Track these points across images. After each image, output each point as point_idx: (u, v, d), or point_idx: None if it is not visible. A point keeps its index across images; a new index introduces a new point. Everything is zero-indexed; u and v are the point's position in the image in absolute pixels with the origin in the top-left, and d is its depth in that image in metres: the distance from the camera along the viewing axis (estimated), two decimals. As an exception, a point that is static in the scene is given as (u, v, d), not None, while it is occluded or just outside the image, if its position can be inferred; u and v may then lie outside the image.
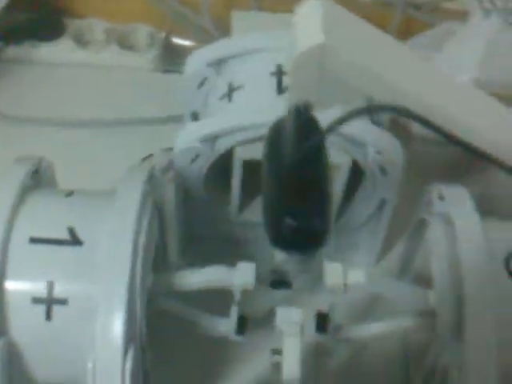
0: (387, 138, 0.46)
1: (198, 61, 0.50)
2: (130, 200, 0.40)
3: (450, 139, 0.28)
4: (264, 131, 0.43)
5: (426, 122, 0.27)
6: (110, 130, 0.63)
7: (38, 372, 0.40)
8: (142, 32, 0.69)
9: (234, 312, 0.44)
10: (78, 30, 0.69)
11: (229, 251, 0.50)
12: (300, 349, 0.39)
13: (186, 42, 0.69)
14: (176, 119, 0.60)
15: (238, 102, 0.47)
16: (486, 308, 0.38)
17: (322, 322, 0.43)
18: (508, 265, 0.39)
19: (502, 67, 0.56)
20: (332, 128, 0.27)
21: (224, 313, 0.44)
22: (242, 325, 0.44)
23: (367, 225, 0.52)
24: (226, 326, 0.44)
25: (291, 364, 0.38)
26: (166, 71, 0.68)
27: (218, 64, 0.50)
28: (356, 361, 0.49)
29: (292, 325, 0.40)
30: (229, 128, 0.45)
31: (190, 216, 0.51)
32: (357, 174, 0.49)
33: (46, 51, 0.67)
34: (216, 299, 0.43)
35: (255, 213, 0.52)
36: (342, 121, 0.27)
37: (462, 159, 0.52)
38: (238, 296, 0.43)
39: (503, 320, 0.38)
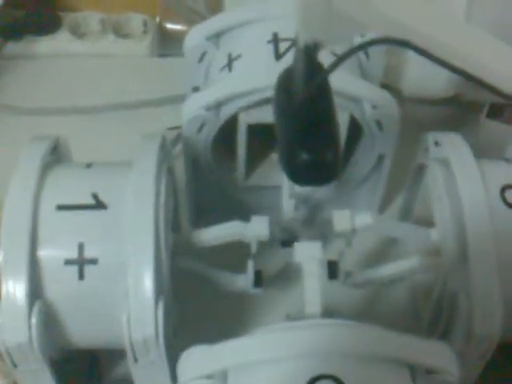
0: (381, 93, 0.49)
1: (196, 36, 0.53)
2: (148, 164, 0.43)
3: (451, 69, 0.30)
4: (265, 95, 0.46)
5: (427, 54, 0.29)
6: (111, 115, 0.65)
7: (72, 331, 0.42)
8: (135, 20, 0.71)
9: (251, 267, 0.46)
10: (74, 22, 0.71)
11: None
12: (320, 287, 0.41)
13: (179, 27, 0.71)
14: (175, 100, 0.62)
15: (238, 71, 0.50)
16: (486, 236, 0.41)
17: (333, 268, 0.45)
18: (503, 195, 0.42)
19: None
20: (337, 63, 0.29)
21: (241, 270, 0.47)
22: (259, 278, 0.47)
23: (366, 182, 0.55)
24: (243, 281, 0.47)
25: (313, 300, 0.41)
26: (162, 55, 0.71)
27: (217, 37, 0.53)
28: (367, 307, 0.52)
29: (312, 261, 0.42)
30: (231, 94, 0.48)
31: (199, 185, 0.54)
32: (355, 133, 0.52)
33: (44, 45, 0.70)
34: (232, 259, 0.47)
35: (261, 178, 0.55)
36: (346, 55, 0.29)
37: (454, 116, 0.55)
38: (254, 248, 0.45)
39: (504, 245, 0.41)
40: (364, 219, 0.45)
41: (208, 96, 0.49)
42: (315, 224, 0.54)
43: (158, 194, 0.42)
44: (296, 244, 0.44)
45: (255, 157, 0.55)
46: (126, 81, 0.68)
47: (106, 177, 0.44)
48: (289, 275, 0.52)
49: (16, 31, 0.70)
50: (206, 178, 0.53)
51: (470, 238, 0.41)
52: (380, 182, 0.54)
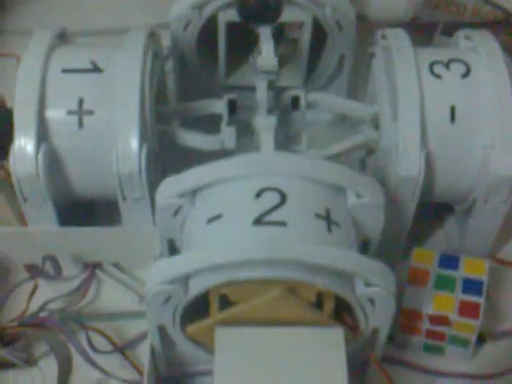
0: (340, -3, 0.58)
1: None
2: (137, 39, 0.52)
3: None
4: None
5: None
6: (101, 39, 0.71)
7: (72, 174, 0.51)
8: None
9: (225, 98, 0.54)
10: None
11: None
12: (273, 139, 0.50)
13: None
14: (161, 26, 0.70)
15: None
16: (414, 99, 0.49)
17: (295, 101, 0.54)
18: (431, 69, 0.51)
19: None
20: None
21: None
22: (232, 106, 0.55)
23: (331, 83, 0.63)
24: (220, 109, 0.55)
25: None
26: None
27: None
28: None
29: (268, 125, 0.51)
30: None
31: (185, 83, 0.63)
32: (320, 39, 0.60)
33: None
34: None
35: (240, 78, 0.64)
36: None
37: (412, 36, 0.64)
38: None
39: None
40: (315, 95, 0.54)
41: (192, -3, 0.58)
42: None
43: (144, 62, 0.51)
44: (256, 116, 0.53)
45: (235, 60, 0.64)
46: (115, 10, 0.75)
47: (103, 49, 0.53)
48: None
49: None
50: (192, 77, 0.62)
51: (400, 102, 0.50)
52: (343, 81, 0.62)
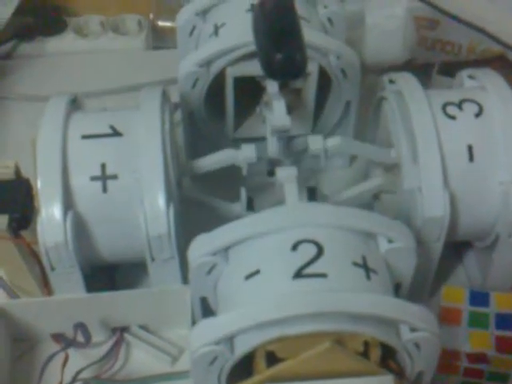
0: (344, 46, 0.59)
1: (187, 12, 0.63)
2: (153, 100, 0.53)
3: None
4: (248, 50, 0.56)
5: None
6: (114, 97, 0.74)
7: (98, 240, 0.51)
8: (131, 20, 0.82)
9: (243, 192, 0.55)
10: (78, 24, 0.81)
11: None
12: (297, 190, 0.51)
13: (169, 24, 0.81)
14: (168, 82, 0.71)
15: (223, 34, 0.60)
16: (432, 141, 0.50)
17: (312, 193, 0.55)
18: (445, 110, 0.52)
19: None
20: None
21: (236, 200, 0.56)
22: (251, 203, 0.56)
23: (338, 128, 0.64)
24: (237, 206, 0.56)
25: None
26: (155, 48, 0.82)
27: (204, 13, 0.63)
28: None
29: (290, 176, 0.52)
30: (219, 51, 0.57)
31: (195, 138, 0.63)
32: (325, 86, 0.62)
33: (53, 44, 0.80)
34: (228, 192, 0.56)
35: (248, 130, 0.64)
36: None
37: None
38: (245, 170, 0.55)
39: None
40: (334, 140, 0.54)
41: (199, 54, 0.58)
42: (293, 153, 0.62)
43: (163, 123, 0.52)
44: (277, 169, 0.54)
45: (243, 113, 0.64)
46: (125, 70, 0.78)
47: (120, 113, 0.53)
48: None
49: (28, 34, 0.80)
50: (200, 131, 0.63)
51: (419, 145, 0.51)
52: (349, 126, 0.63)
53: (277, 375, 0.42)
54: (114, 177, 0.50)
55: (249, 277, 0.44)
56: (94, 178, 0.50)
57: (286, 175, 0.52)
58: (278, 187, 0.53)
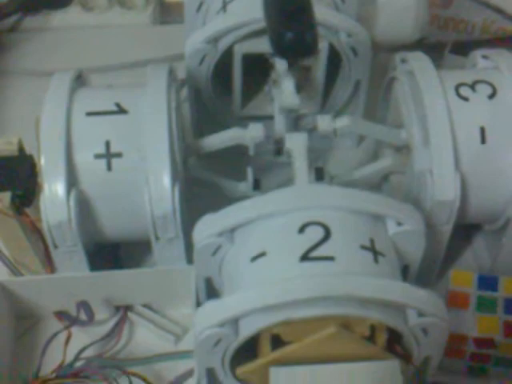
0: (354, 24, 0.58)
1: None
2: (160, 77, 0.52)
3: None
4: (257, 26, 0.55)
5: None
6: (120, 72, 0.73)
7: (102, 218, 0.50)
8: (138, -7, 0.81)
9: (250, 172, 0.55)
10: (84, -2, 0.80)
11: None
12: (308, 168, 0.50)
13: (176, -2, 0.80)
14: (175, 58, 0.70)
15: (232, 9, 0.58)
16: (444, 122, 0.49)
17: (319, 173, 0.54)
18: (458, 91, 0.51)
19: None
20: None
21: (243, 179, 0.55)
22: (257, 183, 0.55)
23: (347, 108, 0.63)
24: (244, 186, 0.55)
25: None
26: (163, 23, 0.80)
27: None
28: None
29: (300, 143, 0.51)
30: (227, 27, 0.56)
31: (201, 117, 0.62)
32: (335, 65, 0.60)
33: (58, 18, 0.79)
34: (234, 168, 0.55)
35: (255, 108, 0.63)
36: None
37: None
38: (252, 150, 0.54)
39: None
40: (343, 120, 0.53)
41: (207, 31, 0.57)
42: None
43: (169, 101, 0.51)
44: (287, 134, 0.53)
45: (250, 91, 0.63)
46: (132, 45, 0.77)
47: (126, 90, 0.52)
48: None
49: (33, 7, 0.79)
50: (207, 110, 0.62)
51: (431, 126, 0.50)
52: (359, 105, 0.62)
53: (281, 358, 0.42)
54: (119, 155, 0.49)
55: (254, 259, 0.43)
56: (98, 156, 0.49)
57: (296, 141, 0.51)
58: (287, 161, 0.52)
